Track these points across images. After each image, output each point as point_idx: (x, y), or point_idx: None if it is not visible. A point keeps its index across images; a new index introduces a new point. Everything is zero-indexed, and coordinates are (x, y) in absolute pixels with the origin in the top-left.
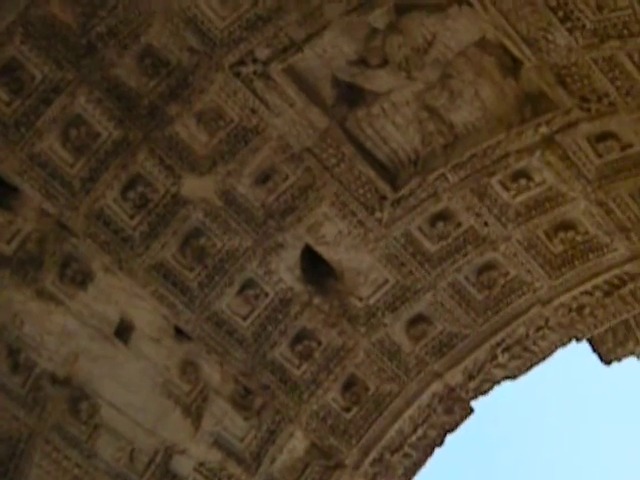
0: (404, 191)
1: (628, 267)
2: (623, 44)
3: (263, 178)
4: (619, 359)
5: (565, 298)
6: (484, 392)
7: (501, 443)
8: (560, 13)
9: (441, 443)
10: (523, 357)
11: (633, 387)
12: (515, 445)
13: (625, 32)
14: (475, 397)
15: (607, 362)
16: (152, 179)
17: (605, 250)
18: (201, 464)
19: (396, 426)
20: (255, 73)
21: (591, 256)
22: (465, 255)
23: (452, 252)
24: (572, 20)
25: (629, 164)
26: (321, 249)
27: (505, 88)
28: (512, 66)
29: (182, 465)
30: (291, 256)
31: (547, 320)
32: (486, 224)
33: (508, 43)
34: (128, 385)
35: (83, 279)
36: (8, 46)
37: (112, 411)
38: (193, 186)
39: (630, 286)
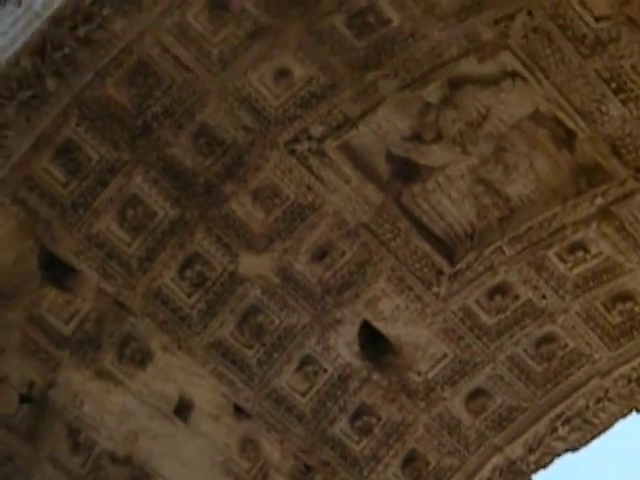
0: (461, 265)
1: None
2: None
3: (320, 254)
4: None
5: (624, 369)
6: (545, 465)
7: None
8: (613, 84)
9: None
10: (583, 429)
11: None
12: None
13: None
14: (536, 470)
15: None
16: (209, 257)
17: None
18: None
19: None
20: (310, 150)
21: None
22: (523, 328)
23: (510, 325)
24: (625, 91)
25: None
26: (379, 324)
27: (560, 160)
28: (566, 138)
29: None
30: (349, 332)
31: (607, 391)
32: (544, 297)
33: (562, 115)
34: (187, 463)
35: (142, 358)
36: (64, 128)
37: None
38: (250, 264)
39: None
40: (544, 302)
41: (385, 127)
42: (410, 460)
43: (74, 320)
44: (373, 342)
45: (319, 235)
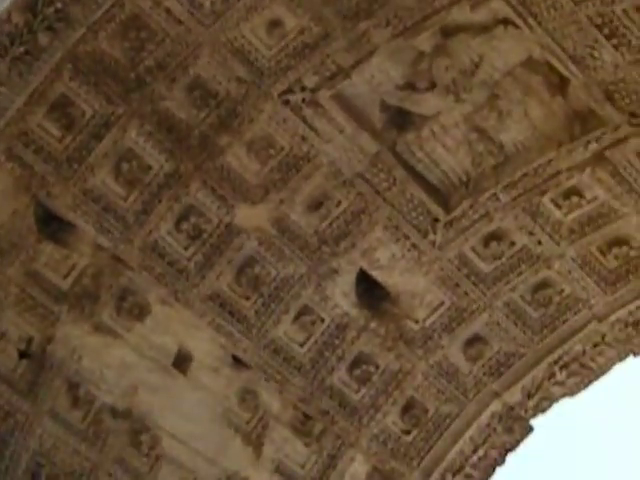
0: (456, 213)
1: None
2: None
3: (315, 205)
4: None
5: (621, 313)
6: (543, 410)
7: (562, 461)
8: (605, 30)
9: (502, 462)
10: (581, 374)
11: None
12: (576, 462)
13: None
14: (534, 415)
15: None
16: (205, 210)
17: None
18: None
19: (457, 447)
20: (304, 101)
21: None
22: (520, 274)
23: (506, 272)
24: (618, 37)
25: None
26: (376, 273)
27: (553, 106)
28: (559, 84)
29: None
30: (346, 281)
31: (604, 336)
32: (539, 242)
33: (555, 62)
34: (188, 415)
35: (140, 312)
36: (58, 83)
37: (173, 442)
38: (246, 215)
39: None
40: (540, 248)
41: (378, 76)
42: (409, 408)
43: (71, 275)
44: (370, 291)
45: (314, 185)
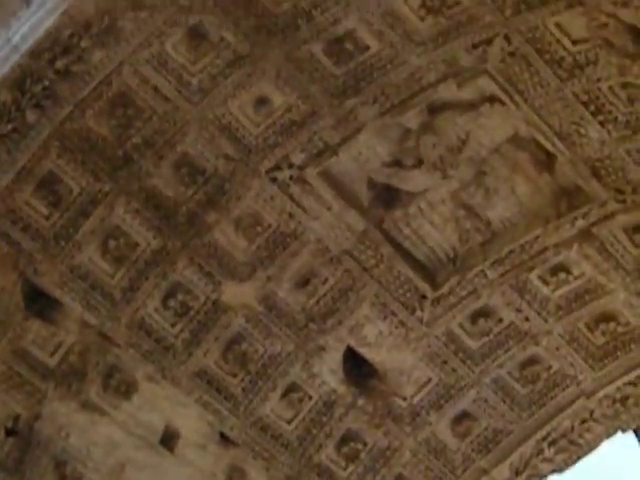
0: (444, 289)
1: None
2: None
3: (303, 282)
4: None
5: (609, 389)
6: None
7: None
8: (592, 107)
9: None
10: (569, 450)
11: None
12: None
13: None
14: None
15: None
16: (192, 287)
17: None
18: None
19: None
20: (291, 178)
21: (633, 346)
22: (507, 351)
23: (494, 348)
24: (604, 113)
25: None
26: (363, 350)
27: (540, 183)
28: (546, 161)
29: None
30: (333, 358)
31: (592, 412)
32: (527, 319)
33: (541, 138)
34: None
35: (127, 389)
36: (45, 160)
37: None
38: (233, 292)
39: None
40: (527, 324)
41: (365, 153)
42: None
43: (59, 352)
44: (358, 368)
45: (302, 263)
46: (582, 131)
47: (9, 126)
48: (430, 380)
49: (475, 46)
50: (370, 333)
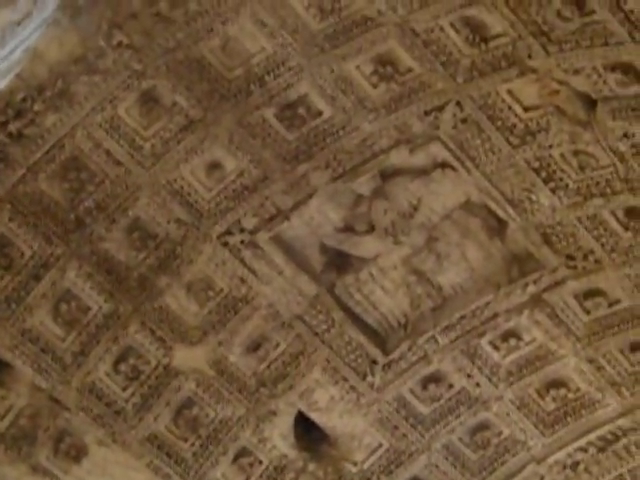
0: (395, 355)
1: (621, 422)
2: (606, 202)
3: (254, 347)
4: None
5: (559, 455)
6: None
7: None
8: (543, 174)
9: None
10: None
11: None
12: None
13: (608, 190)
14: None
15: None
16: (143, 351)
17: (597, 406)
18: None
19: None
20: (243, 242)
21: (584, 412)
22: (458, 416)
23: (445, 414)
24: (555, 180)
25: (617, 320)
26: (314, 415)
27: (492, 249)
28: (498, 227)
29: None
30: (284, 423)
31: (542, 478)
32: (478, 385)
33: (492, 205)
34: None
35: (77, 453)
36: None
37: None
38: (184, 357)
39: (624, 441)
40: (478, 390)
41: (317, 219)
42: None
43: (8, 416)
44: (309, 433)
45: (253, 327)
46: (533, 198)
47: None
48: (381, 445)
49: (427, 113)
50: (321, 398)
